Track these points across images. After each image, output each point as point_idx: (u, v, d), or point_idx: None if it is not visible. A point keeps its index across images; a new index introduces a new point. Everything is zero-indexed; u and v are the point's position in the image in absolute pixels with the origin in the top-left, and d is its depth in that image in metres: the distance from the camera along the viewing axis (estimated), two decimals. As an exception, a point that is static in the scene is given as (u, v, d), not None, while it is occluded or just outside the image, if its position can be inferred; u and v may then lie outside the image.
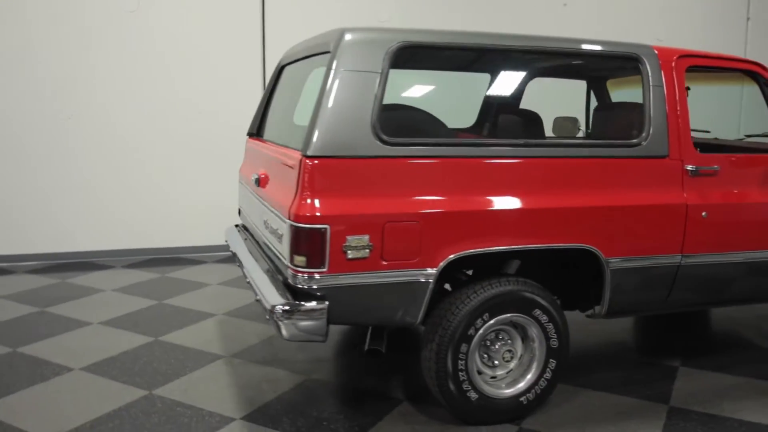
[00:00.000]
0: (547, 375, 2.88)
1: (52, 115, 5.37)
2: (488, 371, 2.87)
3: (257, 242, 3.33)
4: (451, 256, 2.61)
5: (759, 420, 2.94)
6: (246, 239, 3.56)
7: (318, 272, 2.46)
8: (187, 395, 3.10)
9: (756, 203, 3.12)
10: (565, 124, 4.11)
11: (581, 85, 4.36)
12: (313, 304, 2.46)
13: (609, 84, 4.23)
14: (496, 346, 2.85)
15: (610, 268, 2.86)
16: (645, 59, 2.97)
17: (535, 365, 2.87)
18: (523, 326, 2.85)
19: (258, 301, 2.66)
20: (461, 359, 2.71)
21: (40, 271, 5.24)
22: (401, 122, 2.93)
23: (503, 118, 3.84)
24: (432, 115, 3.09)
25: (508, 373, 2.90)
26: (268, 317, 2.52)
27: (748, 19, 7.23)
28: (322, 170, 2.47)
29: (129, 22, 5.46)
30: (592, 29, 6.52)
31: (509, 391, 2.84)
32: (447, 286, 3.00)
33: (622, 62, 3.06)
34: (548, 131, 4.07)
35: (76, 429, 2.77)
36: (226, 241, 3.71)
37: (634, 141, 2.91)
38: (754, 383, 3.32)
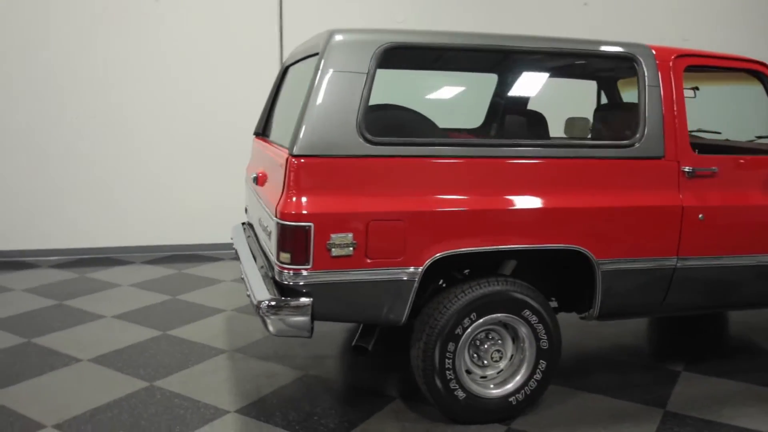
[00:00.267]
0: (537, 376, 2.87)
1: (76, 114, 5.55)
2: (478, 371, 2.88)
3: (258, 240, 3.40)
4: (437, 255, 2.63)
5: (757, 427, 2.88)
6: (249, 237, 3.63)
7: (302, 269, 2.51)
8: (186, 387, 3.19)
9: (757, 206, 3.05)
10: (577, 124, 4.08)
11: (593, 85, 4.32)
12: (297, 300, 2.52)
13: (621, 84, 4.19)
14: (485, 346, 2.86)
15: (601, 269, 2.84)
16: (641, 59, 2.94)
17: (525, 366, 2.87)
18: (513, 327, 2.86)
19: (249, 296, 2.72)
20: (448, 358, 2.73)
21: (63, 266, 5.42)
22: (389, 122, 2.96)
23: (507, 119, 3.83)
24: (422, 115, 3.11)
25: (499, 373, 2.90)
26: (255, 312, 2.58)
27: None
28: (307, 169, 2.52)
29: (149, 22, 5.61)
30: (614, 29, 6.43)
31: (497, 391, 2.85)
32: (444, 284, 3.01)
33: (618, 62, 3.04)
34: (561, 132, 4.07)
35: (76, 417, 2.87)
36: (232, 239, 3.79)
37: (628, 142, 2.88)
38: (756, 390, 3.25)
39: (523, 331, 2.84)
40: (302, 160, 2.52)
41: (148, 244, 5.87)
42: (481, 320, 2.76)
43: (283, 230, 2.50)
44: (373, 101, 3.30)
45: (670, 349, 3.84)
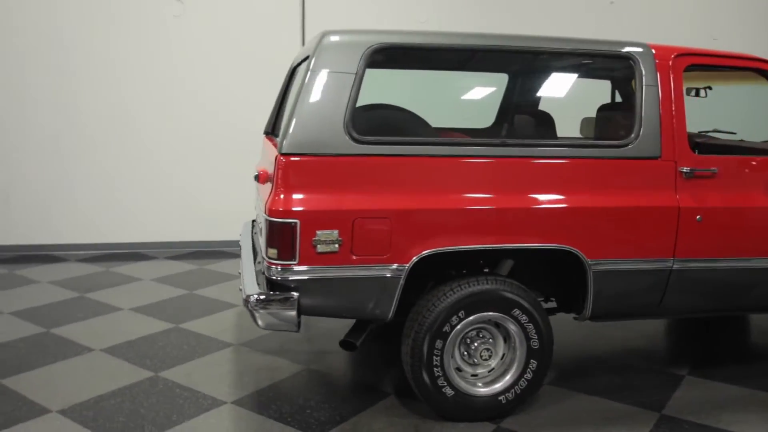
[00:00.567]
0: (528, 376, 2.87)
1: (106, 114, 5.76)
2: (469, 369, 2.89)
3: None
4: (424, 252, 2.66)
5: (755, 433, 2.83)
6: (256, 233, 3.72)
7: (289, 264, 2.57)
8: (188, 378, 3.29)
9: (758, 207, 2.98)
10: (588, 124, 4.05)
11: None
12: (284, 295, 2.58)
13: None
14: (476, 345, 2.87)
15: (592, 270, 2.82)
16: (639, 58, 2.91)
17: (515, 365, 2.87)
18: (504, 326, 2.86)
19: (240, 290, 2.80)
20: (436, 355, 2.75)
21: (90, 260, 5.62)
22: (378, 121, 3.00)
23: (517, 119, 3.83)
24: (415, 114, 3.14)
25: (490, 371, 2.91)
26: (244, 306, 2.65)
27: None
28: (294, 167, 2.58)
29: (175, 25, 5.78)
30: (640, 28, 6.34)
31: (486, 390, 2.86)
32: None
33: (616, 62, 3.01)
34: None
35: (81, 404, 3.00)
36: (240, 235, 3.89)
37: (623, 142, 2.85)
38: (761, 396, 3.18)
39: (514, 330, 2.84)
40: (290, 159, 2.58)
41: (173, 240, 6.04)
42: (469, 318, 2.78)
43: (270, 226, 2.57)
44: (376, 100, 3.38)
45: (678, 353, 3.78)
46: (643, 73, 2.90)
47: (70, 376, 3.31)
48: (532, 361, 2.86)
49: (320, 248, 2.56)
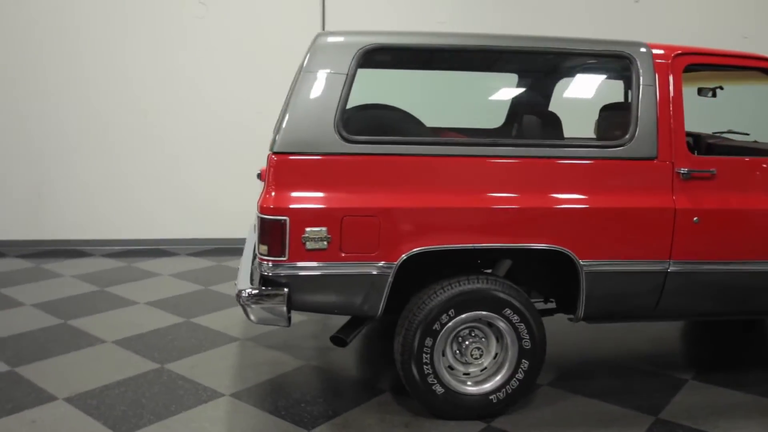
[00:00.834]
0: (519, 375, 2.87)
1: (134, 113, 5.94)
2: (461, 367, 2.91)
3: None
4: (414, 250, 2.69)
5: (750, 440, 2.78)
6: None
7: (279, 260, 2.63)
8: (192, 371, 3.38)
9: (758, 210, 2.92)
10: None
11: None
12: (274, 290, 2.64)
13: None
14: (467, 343, 2.88)
15: (584, 270, 2.81)
16: (636, 58, 2.88)
17: (506, 365, 2.88)
18: (497, 325, 2.87)
19: (235, 285, 2.87)
20: (426, 353, 2.78)
21: (114, 256, 5.80)
22: (370, 121, 3.04)
23: (525, 119, 3.82)
24: (409, 114, 3.17)
25: (483, 370, 2.92)
26: (236, 301, 2.73)
27: None
28: (285, 166, 2.65)
29: (199, 27, 5.92)
30: (665, 27, 6.22)
31: (476, 389, 2.87)
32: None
33: (613, 62, 2.99)
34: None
35: (87, 392, 3.11)
36: (249, 233, 3.97)
37: (618, 142, 2.83)
38: (764, 403, 3.11)
39: (505, 330, 2.84)
40: (281, 157, 2.64)
41: (195, 237, 6.19)
42: (460, 317, 2.79)
43: (261, 223, 2.64)
44: (377, 100, 3.43)
45: (684, 357, 3.72)
46: (641, 72, 2.87)
47: (80, 365, 3.44)
48: (523, 361, 2.86)
49: (309, 245, 2.61)
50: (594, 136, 4.04)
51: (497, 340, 2.91)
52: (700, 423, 2.91)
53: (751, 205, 2.92)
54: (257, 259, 2.73)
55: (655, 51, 2.91)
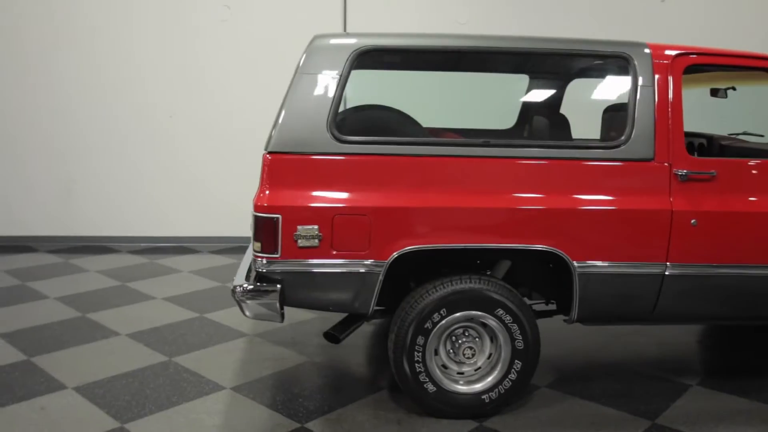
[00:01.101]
0: (512, 376, 2.88)
1: (159, 116, 6.12)
2: (454, 366, 2.93)
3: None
4: (405, 249, 2.72)
5: (747, 447, 2.73)
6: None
7: (272, 257, 2.70)
8: (197, 364, 3.48)
9: (759, 213, 2.86)
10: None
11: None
12: (267, 286, 2.70)
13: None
14: (459, 343, 2.90)
15: (578, 272, 2.80)
16: (635, 58, 2.86)
17: (499, 365, 2.89)
18: (490, 325, 2.88)
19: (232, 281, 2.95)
20: (417, 351, 2.80)
21: (138, 252, 5.98)
22: (364, 122, 3.08)
23: (533, 120, 3.82)
24: (405, 114, 3.19)
25: (476, 370, 2.93)
26: (232, 296, 2.80)
27: None
28: (279, 165, 2.71)
29: (222, 30, 6.06)
30: (693, 27, 6.11)
31: (467, 388, 2.88)
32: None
33: (612, 62, 2.97)
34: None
35: (95, 382, 3.24)
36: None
37: (615, 143, 2.82)
38: (765, 410, 3.04)
39: (498, 330, 2.85)
40: (275, 156, 2.71)
41: (219, 235, 6.32)
42: (453, 316, 2.81)
43: (255, 221, 2.71)
44: (379, 100, 3.47)
45: (690, 362, 3.66)
46: (638, 73, 2.85)
47: (93, 357, 3.57)
48: (516, 361, 2.86)
49: (301, 242, 2.67)
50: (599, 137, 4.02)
51: (491, 341, 2.92)
52: (696, 429, 2.87)
53: (752, 208, 2.86)
54: (252, 256, 2.80)
55: (655, 51, 2.88)
